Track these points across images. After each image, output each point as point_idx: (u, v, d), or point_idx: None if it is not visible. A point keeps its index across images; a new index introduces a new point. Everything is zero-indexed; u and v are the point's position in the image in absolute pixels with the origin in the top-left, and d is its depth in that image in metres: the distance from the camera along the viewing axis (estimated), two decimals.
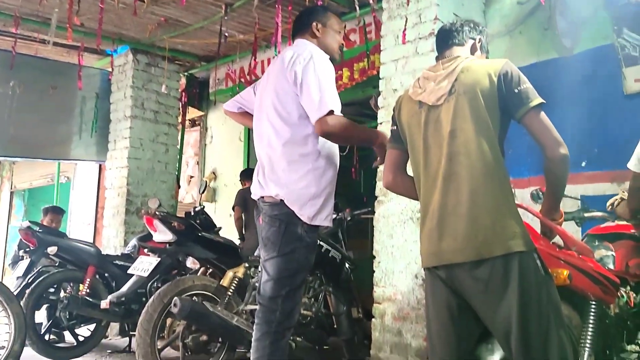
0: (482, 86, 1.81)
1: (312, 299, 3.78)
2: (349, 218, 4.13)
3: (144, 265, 3.55)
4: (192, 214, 4.53)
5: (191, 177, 7.66)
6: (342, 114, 2.30)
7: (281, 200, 2.31)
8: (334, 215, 4.15)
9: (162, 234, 3.48)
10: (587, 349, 2.11)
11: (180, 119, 6.45)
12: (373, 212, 3.76)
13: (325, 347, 4.01)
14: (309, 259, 2.37)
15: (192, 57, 6.12)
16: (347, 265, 3.98)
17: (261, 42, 5.05)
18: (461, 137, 1.82)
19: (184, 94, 6.43)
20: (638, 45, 3.80)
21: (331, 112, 2.23)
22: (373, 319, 3.60)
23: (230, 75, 6.07)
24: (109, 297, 3.64)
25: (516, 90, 1.80)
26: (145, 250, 3.67)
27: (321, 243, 3.76)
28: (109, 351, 4.69)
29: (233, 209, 5.40)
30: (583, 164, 4.07)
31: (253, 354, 2.36)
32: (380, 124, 3.71)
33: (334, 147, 2.46)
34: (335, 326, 3.97)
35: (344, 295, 3.99)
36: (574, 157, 4.17)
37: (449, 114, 1.84)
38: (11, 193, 10.56)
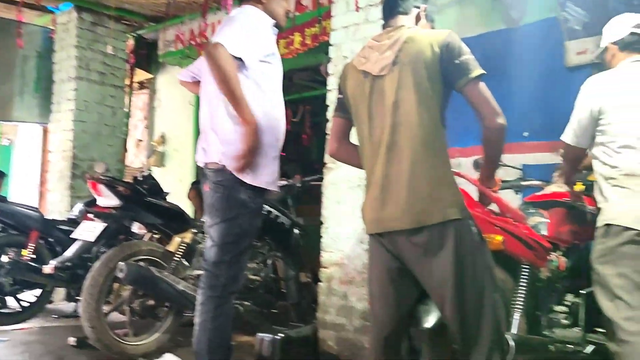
0: (425, 57, 1.84)
1: (261, 264, 3.82)
2: (298, 185, 4.17)
3: (89, 229, 3.49)
4: (140, 179, 4.46)
5: (140, 140, 7.49)
6: (237, 59, 2.23)
7: (223, 165, 2.31)
8: (284, 182, 4.19)
9: (107, 199, 3.42)
10: (518, 309, 2.23)
11: (128, 82, 6.27)
12: (322, 179, 3.80)
13: (273, 310, 4.08)
14: (253, 225, 2.38)
15: (139, 17, 5.91)
16: (296, 231, 4.03)
17: (212, 4, 4.92)
18: (403, 108, 1.85)
19: (131, 55, 6.22)
20: (580, 19, 3.91)
21: (219, 45, 2.18)
22: (320, 283, 3.67)
23: (180, 37, 5.90)
24: (53, 261, 3.57)
25: (457, 61, 1.84)
26: (90, 215, 3.60)
27: (270, 209, 3.79)
28: (55, 316, 4.62)
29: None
30: (526, 134, 4.22)
31: (197, 318, 2.39)
32: (330, 90, 3.71)
33: (275, 111, 2.43)
34: (283, 290, 4.05)
35: (293, 260, 4.05)
36: (518, 127, 4.35)
37: (392, 85, 1.87)
38: None
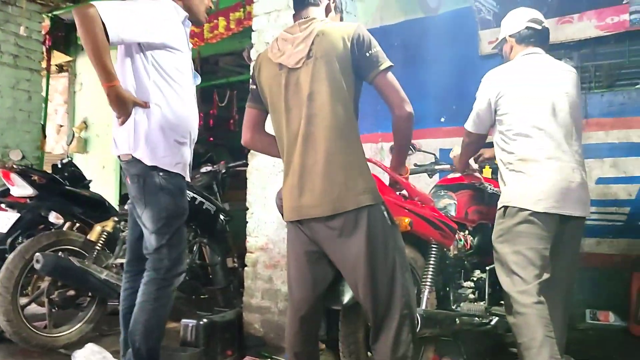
0: (337, 51, 1.91)
1: (187, 251, 3.82)
2: (223, 170, 4.18)
3: (2, 221, 3.36)
4: (60, 166, 4.33)
5: (61, 126, 7.21)
6: (106, 20, 2.12)
7: (133, 156, 2.31)
8: (209, 168, 4.19)
9: (20, 188, 3.30)
10: (427, 286, 2.38)
11: (45, 64, 6.00)
12: (247, 165, 3.83)
13: (202, 296, 4.10)
14: (178, 204, 2.39)
15: None
16: (221, 216, 4.05)
17: None
18: (318, 100, 1.92)
19: (47, 36, 5.96)
20: (492, 10, 4.13)
21: (92, 6, 2.12)
22: (246, 268, 3.73)
23: None
24: None
25: (367, 54, 1.93)
26: (3, 205, 3.47)
27: (195, 195, 3.79)
28: None
29: None
30: (442, 119, 4.42)
31: (139, 298, 2.38)
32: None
33: (179, 99, 2.41)
34: (210, 276, 4.07)
35: (219, 245, 4.07)
36: (436, 113, 4.53)
37: (307, 77, 1.93)
38: None
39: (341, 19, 2.25)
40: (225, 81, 5.96)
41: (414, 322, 1.93)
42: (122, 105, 2.23)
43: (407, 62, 4.27)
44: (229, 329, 3.10)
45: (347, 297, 2.07)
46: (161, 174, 2.31)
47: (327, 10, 2.11)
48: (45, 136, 6.00)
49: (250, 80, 2.19)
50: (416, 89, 4.35)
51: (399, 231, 2.00)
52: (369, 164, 1.99)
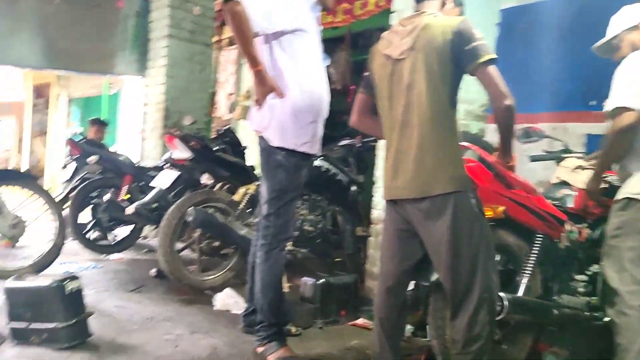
0: (437, 43, 2.02)
1: (319, 217, 4.15)
2: (359, 144, 4.40)
3: (165, 178, 3.98)
4: (221, 132, 4.91)
5: (230, 94, 7.98)
6: (250, 13, 2.36)
7: (260, 132, 2.61)
8: (346, 141, 4.44)
9: (180, 152, 3.87)
10: (526, 274, 2.38)
11: (217, 39, 6.67)
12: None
13: (336, 259, 4.43)
14: (291, 181, 2.65)
15: None
16: (354, 187, 4.30)
17: None
18: (416, 90, 2.06)
19: (219, 14, 6.60)
20: None
21: (237, 2, 2.33)
22: (369, 237, 3.94)
23: None
24: (134, 205, 4.12)
25: (467, 47, 2.00)
26: (167, 165, 4.08)
27: (328, 167, 4.08)
28: (145, 250, 5.29)
29: None
30: (593, 102, 4.12)
31: (257, 260, 2.76)
32: None
33: (310, 80, 2.60)
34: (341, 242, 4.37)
35: (350, 214, 4.34)
36: (584, 96, 4.24)
37: (408, 68, 2.09)
38: (69, 101, 11.26)
39: (461, 12, 2.29)
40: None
41: (493, 305, 2.00)
42: (264, 88, 2.48)
43: (562, 39, 4.05)
44: (345, 290, 3.35)
45: (435, 274, 2.19)
46: (283, 152, 2.58)
47: (443, 3, 2.19)
48: (213, 103, 6.72)
49: (366, 68, 2.36)
50: (567, 68, 4.13)
51: (485, 220, 2.06)
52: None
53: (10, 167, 12.13)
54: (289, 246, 3.69)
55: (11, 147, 13.12)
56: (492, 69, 2.00)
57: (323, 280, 3.25)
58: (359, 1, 5.28)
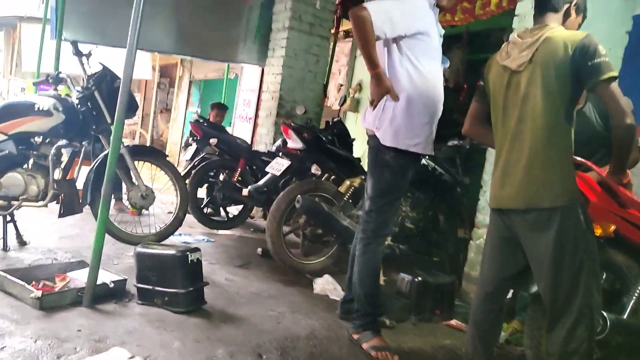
0: (557, 57, 2.03)
1: (421, 215, 4.21)
2: (467, 146, 4.39)
3: (278, 166, 4.23)
4: (331, 123, 5.09)
5: (341, 85, 8.16)
6: (373, 18, 2.47)
7: (372, 131, 2.72)
8: (455, 142, 4.44)
9: (293, 142, 4.09)
10: (633, 297, 2.32)
11: (334, 31, 6.86)
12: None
13: (435, 259, 4.48)
14: (396, 182, 2.74)
15: None
16: (458, 189, 4.31)
17: None
18: (531, 102, 2.09)
19: (339, 7, 6.77)
20: None
21: (364, 8, 2.47)
22: (471, 241, 3.95)
23: None
24: (249, 187, 4.42)
25: (589, 64, 1.98)
26: (280, 154, 4.34)
27: (435, 167, 4.13)
28: (252, 229, 5.63)
29: None
30: None
31: (356, 252, 2.91)
32: None
33: (427, 83, 2.67)
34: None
35: (453, 216, 4.36)
36: None
37: (525, 81, 2.11)
38: (190, 82, 12.06)
39: (583, 19, 2.27)
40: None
41: (592, 322, 1.99)
42: (380, 90, 2.60)
43: None
44: (442, 290, 3.40)
45: (535, 286, 2.20)
46: (392, 152, 2.68)
47: (566, 15, 2.18)
48: (326, 94, 6.93)
49: (481, 77, 2.42)
50: None
51: (593, 235, 2.05)
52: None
53: (135, 141, 13.23)
54: (388, 241, 3.81)
55: (137, 121, 14.27)
56: (614, 87, 1.98)
57: (420, 278, 3.32)
58: (481, 1, 5.21)
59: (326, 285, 3.70)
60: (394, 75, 2.64)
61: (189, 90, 12.16)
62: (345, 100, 6.49)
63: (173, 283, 2.90)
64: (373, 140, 2.77)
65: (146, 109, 14.31)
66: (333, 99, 8.15)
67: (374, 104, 2.66)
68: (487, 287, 2.28)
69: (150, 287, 2.96)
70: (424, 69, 2.66)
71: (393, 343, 2.88)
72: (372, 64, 2.55)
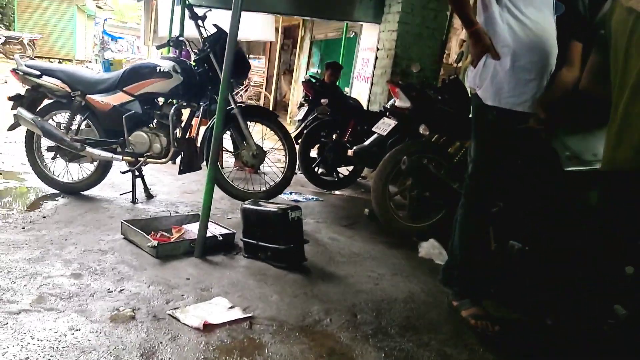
0: None
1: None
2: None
3: (385, 125, 4.14)
4: (447, 82, 4.88)
5: (464, 41, 7.75)
6: None
7: (474, 90, 2.54)
8: None
9: (401, 101, 3.97)
10: None
11: None
12: None
13: None
14: (501, 145, 2.57)
15: None
16: None
17: None
18: None
19: None
20: None
21: None
22: None
23: None
24: (354, 148, 4.39)
25: None
26: (387, 113, 4.24)
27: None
28: (362, 190, 5.64)
29: None
30: None
31: (457, 217, 2.79)
32: None
33: (533, 34, 2.42)
34: None
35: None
36: None
37: None
38: (311, 43, 12.16)
39: None
40: None
41: None
42: (480, 48, 2.43)
43: None
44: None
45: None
46: (495, 112, 2.49)
47: None
48: (444, 51, 6.63)
49: (601, 25, 2.13)
50: None
51: None
52: None
53: (260, 102, 13.73)
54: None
55: (261, 83, 14.79)
56: None
57: (528, 247, 3.11)
58: None
59: (431, 249, 3.62)
60: (494, 30, 2.44)
61: (310, 50, 12.28)
62: (462, 57, 6.13)
63: (275, 239, 3.00)
64: (475, 99, 2.60)
65: (270, 71, 14.73)
66: (454, 56, 7.78)
67: (474, 64, 2.49)
68: None
69: (254, 241, 3.08)
70: (528, 20, 2.42)
71: (498, 313, 2.75)
72: (467, 21, 2.38)
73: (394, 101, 4.38)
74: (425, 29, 6.17)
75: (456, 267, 2.77)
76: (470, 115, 2.69)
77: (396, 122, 4.08)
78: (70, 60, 19.26)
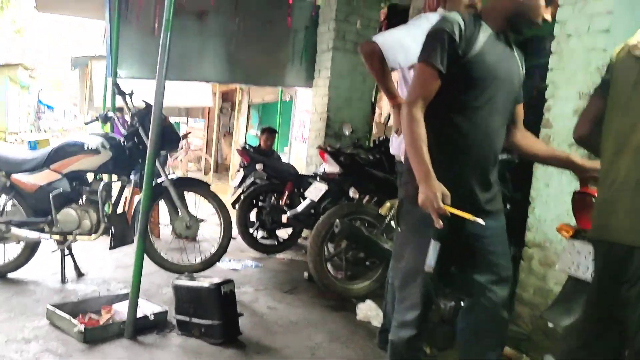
0: None
1: None
2: (517, 161, 4.20)
3: (316, 191, 4.23)
4: (377, 142, 5.05)
5: None
6: (384, 50, 2.45)
7: (399, 158, 2.67)
8: (503, 156, 4.26)
9: (331, 166, 4.08)
10: None
11: None
12: None
13: None
14: None
15: None
16: (509, 206, 4.12)
17: None
18: None
19: (384, 24, 6.72)
20: None
21: (372, 42, 2.47)
22: (521, 261, 3.76)
23: (428, 4, 6.17)
24: (288, 213, 4.44)
25: None
26: (318, 178, 4.34)
27: None
28: (304, 251, 5.63)
29: None
30: None
31: (388, 280, 2.84)
32: (551, 70, 3.62)
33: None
34: None
35: None
36: None
37: None
38: (249, 106, 12.36)
39: None
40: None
41: None
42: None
43: None
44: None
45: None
46: None
47: None
48: (374, 112, 6.87)
49: (605, 69, 1.97)
50: None
51: None
52: None
53: (200, 165, 13.68)
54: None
55: (202, 146, 14.78)
56: None
57: (463, 302, 3.19)
58: None
59: (369, 311, 3.64)
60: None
61: (248, 113, 12.45)
62: (389, 118, 6.37)
63: (208, 314, 2.95)
64: (401, 165, 2.71)
65: (210, 134, 14.78)
66: (386, 114, 8.08)
67: (398, 133, 2.62)
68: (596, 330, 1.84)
69: (188, 318, 3.02)
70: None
71: None
72: (391, 95, 2.52)
73: (324, 166, 4.49)
74: (355, 92, 6.40)
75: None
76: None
77: (327, 187, 4.17)
78: (2, 132, 18.69)
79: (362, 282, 4.03)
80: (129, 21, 5.88)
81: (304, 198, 5.23)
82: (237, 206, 5.31)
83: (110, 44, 5.87)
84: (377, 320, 3.51)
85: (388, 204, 3.92)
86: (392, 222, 3.89)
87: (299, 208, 4.43)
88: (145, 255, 3.12)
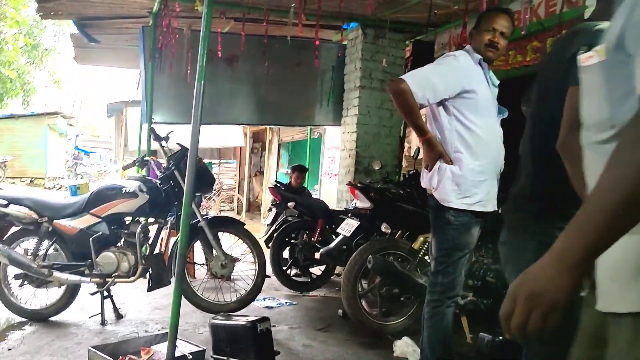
0: None
1: (461, 278, 3.98)
2: None
3: (348, 227, 4.26)
4: (407, 176, 5.07)
5: None
6: (413, 88, 2.51)
7: (431, 191, 2.70)
8: None
9: (362, 202, 4.12)
10: None
11: None
12: None
13: None
14: (461, 240, 2.68)
15: (414, 27, 6.47)
16: None
17: (472, 13, 5.15)
18: None
19: (409, 60, 6.83)
20: None
21: (401, 80, 2.53)
22: None
23: (453, 40, 6.28)
24: (321, 250, 4.48)
25: None
26: (350, 214, 4.38)
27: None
28: (337, 288, 5.63)
29: None
30: None
31: (424, 316, 2.84)
32: None
33: (481, 139, 2.64)
34: None
35: None
36: None
37: None
38: (279, 145, 12.55)
39: None
40: None
41: None
42: (432, 154, 2.62)
43: None
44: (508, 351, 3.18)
45: None
46: (452, 212, 2.63)
47: None
48: (403, 147, 6.92)
49: None
50: None
51: None
52: None
53: (233, 205, 13.85)
54: (470, 296, 3.67)
55: (234, 186, 15.00)
56: None
57: (501, 337, 3.14)
58: (552, 38, 5.05)
59: (405, 347, 3.60)
60: (444, 138, 2.64)
61: (279, 152, 12.64)
62: (418, 152, 6.40)
63: (244, 353, 2.98)
64: (432, 199, 2.74)
65: (241, 174, 15.02)
66: (414, 149, 8.09)
67: (429, 168, 2.67)
68: None
69: (225, 358, 3.05)
70: (474, 127, 2.63)
71: None
72: (421, 131, 2.58)
73: (355, 202, 4.53)
74: (382, 128, 6.48)
75: None
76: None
77: (359, 223, 4.20)
78: (42, 178, 19.33)
79: (398, 318, 4.00)
80: (162, 69, 6.14)
81: (336, 235, 5.26)
82: (270, 244, 5.37)
83: (145, 91, 6.11)
84: (414, 357, 3.48)
85: (421, 238, 3.93)
86: (426, 257, 3.89)
87: (332, 244, 4.47)
88: (182, 295, 3.17)
